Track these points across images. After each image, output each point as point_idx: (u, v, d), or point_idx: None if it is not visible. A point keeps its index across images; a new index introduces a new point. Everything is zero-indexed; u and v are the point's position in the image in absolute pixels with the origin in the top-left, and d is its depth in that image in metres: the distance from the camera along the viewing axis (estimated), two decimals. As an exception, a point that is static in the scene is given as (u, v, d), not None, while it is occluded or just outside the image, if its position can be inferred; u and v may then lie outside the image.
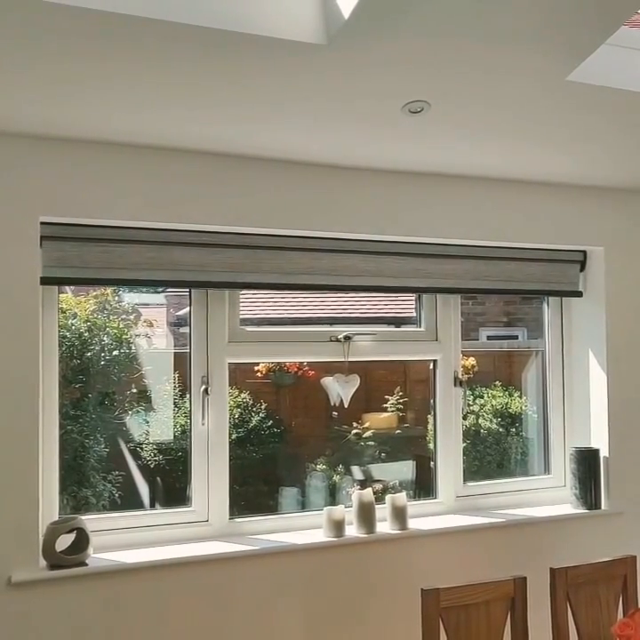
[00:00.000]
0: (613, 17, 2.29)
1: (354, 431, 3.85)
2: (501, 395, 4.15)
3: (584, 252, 3.85)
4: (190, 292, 3.22)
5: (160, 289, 3.54)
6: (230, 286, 3.19)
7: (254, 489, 3.55)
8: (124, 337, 3.43)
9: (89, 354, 3.30)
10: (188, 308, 3.24)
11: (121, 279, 3.04)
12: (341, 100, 2.60)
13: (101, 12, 2.02)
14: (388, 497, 3.38)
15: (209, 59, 2.29)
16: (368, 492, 3.33)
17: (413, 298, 3.72)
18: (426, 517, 3.50)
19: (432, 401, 3.70)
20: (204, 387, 3.20)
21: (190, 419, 3.24)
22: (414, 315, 3.71)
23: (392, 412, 3.94)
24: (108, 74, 2.34)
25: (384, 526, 3.33)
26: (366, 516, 3.28)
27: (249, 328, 3.35)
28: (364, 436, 3.86)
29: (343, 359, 3.45)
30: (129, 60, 2.27)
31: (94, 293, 3.35)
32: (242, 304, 3.33)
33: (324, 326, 3.55)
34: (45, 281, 2.83)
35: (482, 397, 4.10)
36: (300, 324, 3.56)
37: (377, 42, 2.26)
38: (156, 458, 3.42)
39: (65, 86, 2.40)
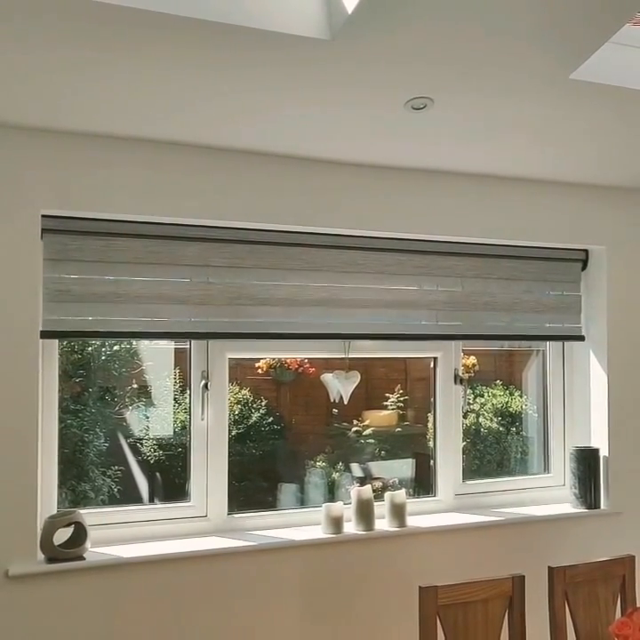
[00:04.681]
0: (617, 15, 2.28)
1: (354, 428, 3.85)
2: (502, 394, 4.14)
3: (586, 251, 3.85)
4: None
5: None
6: (227, 336, 3.18)
7: (253, 485, 3.55)
8: (124, 332, 3.42)
9: (90, 348, 3.30)
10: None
11: (120, 332, 3.02)
12: (344, 95, 2.60)
13: (104, 4, 2.02)
14: (386, 494, 3.38)
15: (212, 52, 2.29)
16: (367, 489, 3.33)
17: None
18: (425, 515, 3.50)
19: (432, 399, 3.70)
20: (203, 382, 3.20)
21: (190, 414, 3.24)
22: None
23: (392, 409, 3.93)
24: (110, 67, 2.34)
25: (383, 524, 3.33)
26: (365, 512, 3.28)
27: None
28: (364, 433, 3.85)
29: (344, 356, 3.45)
30: (131, 52, 2.27)
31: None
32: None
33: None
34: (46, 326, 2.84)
35: (482, 396, 4.09)
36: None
37: (380, 38, 2.25)
38: (156, 453, 3.42)
39: (66, 78, 2.40)
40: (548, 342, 3.95)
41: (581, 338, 3.85)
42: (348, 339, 3.40)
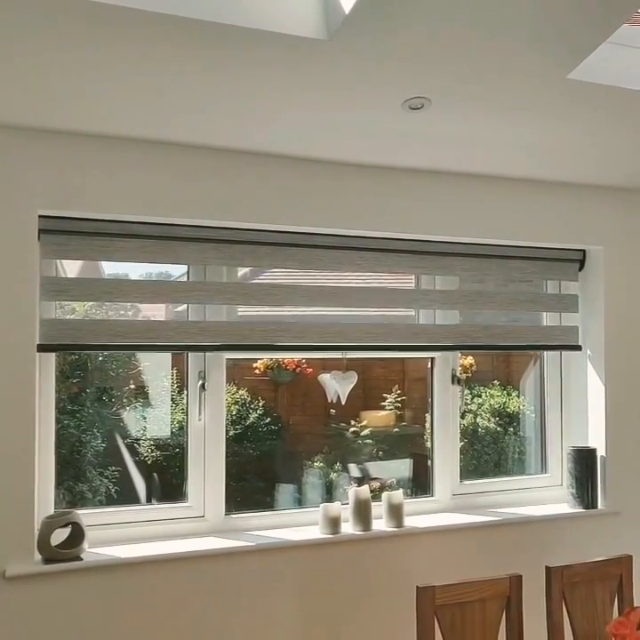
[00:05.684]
0: (614, 15, 2.28)
1: (351, 429, 3.85)
2: (499, 394, 4.14)
3: (583, 251, 3.85)
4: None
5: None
6: (224, 349, 3.18)
7: (251, 485, 3.55)
8: (122, 332, 3.41)
9: (87, 349, 3.30)
10: (185, 305, 3.24)
11: (117, 345, 3.00)
12: (341, 95, 2.60)
13: (104, 4, 2.02)
14: (384, 494, 3.38)
15: (209, 53, 2.28)
16: (364, 489, 3.32)
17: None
18: (422, 515, 3.49)
19: (430, 399, 3.70)
20: (201, 382, 3.19)
21: (187, 415, 3.24)
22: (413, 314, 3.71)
23: (390, 410, 3.93)
24: (109, 67, 2.33)
25: (380, 524, 3.33)
26: (362, 513, 3.27)
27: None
28: (361, 433, 3.85)
29: (341, 356, 3.45)
30: (129, 53, 2.26)
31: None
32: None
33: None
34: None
35: (480, 396, 4.09)
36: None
37: (377, 38, 2.25)
38: (153, 453, 3.42)
39: (65, 78, 2.40)
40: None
41: (578, 347, 3.85)
42: (346, 349, 3.39)
